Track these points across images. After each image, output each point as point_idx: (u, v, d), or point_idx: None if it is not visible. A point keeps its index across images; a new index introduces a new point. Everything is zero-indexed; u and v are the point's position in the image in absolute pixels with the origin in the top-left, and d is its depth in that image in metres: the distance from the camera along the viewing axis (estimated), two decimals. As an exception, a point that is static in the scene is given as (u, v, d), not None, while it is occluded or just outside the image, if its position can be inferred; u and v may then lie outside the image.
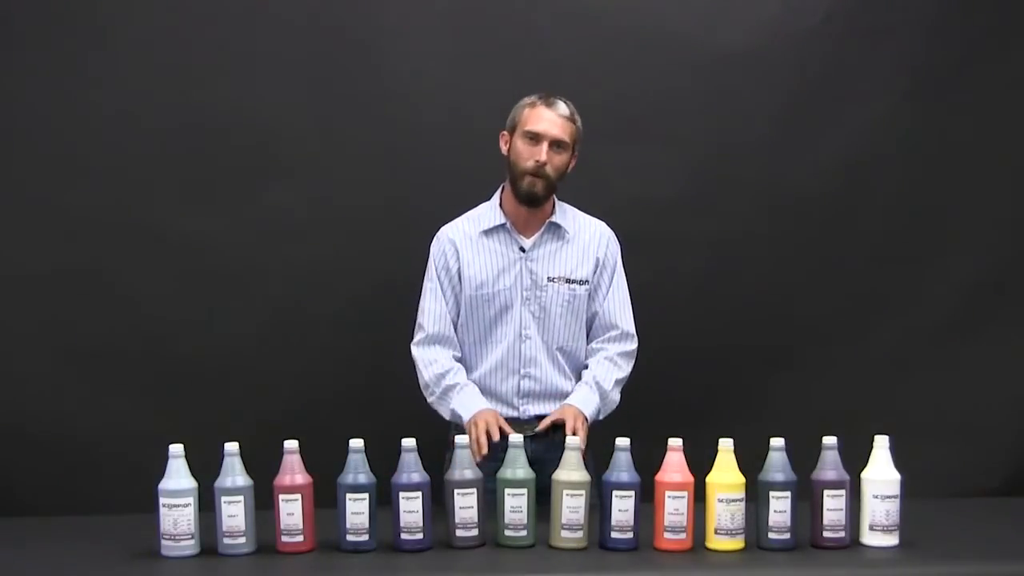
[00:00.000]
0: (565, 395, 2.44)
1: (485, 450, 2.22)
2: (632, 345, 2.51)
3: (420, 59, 3.00)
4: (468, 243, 2.47)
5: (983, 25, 3.09)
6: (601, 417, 2.43)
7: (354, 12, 3.00)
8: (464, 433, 2.20)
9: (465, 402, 2.37)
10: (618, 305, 2.50)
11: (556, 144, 2.37)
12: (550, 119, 2.38)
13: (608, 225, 2.54)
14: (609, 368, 2.46)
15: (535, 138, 2.38)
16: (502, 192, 2.49)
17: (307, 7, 2.99)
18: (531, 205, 2.42)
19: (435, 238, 2.50)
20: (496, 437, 2.24)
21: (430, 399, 2.44)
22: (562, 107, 2.40)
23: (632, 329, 2.51)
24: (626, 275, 2.53)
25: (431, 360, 2.44)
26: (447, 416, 2.42)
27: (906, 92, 3.08)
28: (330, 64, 2.99)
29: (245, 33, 2.98)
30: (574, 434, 2.19)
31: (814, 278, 3.12)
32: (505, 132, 2.45)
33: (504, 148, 2.45)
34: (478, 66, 2.97)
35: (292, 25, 2.98)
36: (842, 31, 3.07)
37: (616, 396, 2.47)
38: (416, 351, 2.46)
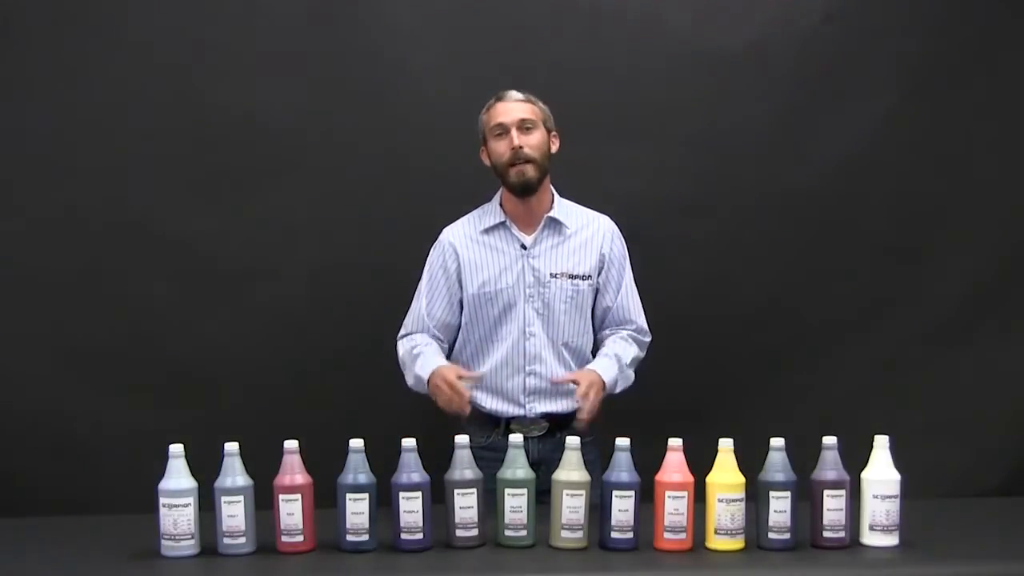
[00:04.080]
0: (572, 393, 2.44)
1: (466, 407, 2.28)
2: (648, 338, 2.55)
3: (420, 59, 3.00)
4: (468, 243, 2.48)
5: (983, 25, 3.08)
6: (618, 391, 2.44)
7: (355, 12, 2.99)
8: (464, 433, 2.19)
9: (424, 364, 2.37)
10: (633, 303, 2.53)
11: (523, 125, 2.40)
12: (506, 107, 2.43)
13: (608, 223, 2.55)
14: (627, 345, 2.48)
15: (502, 130, 2.41)
16: (502, 192, 2.50)
17: (308, 7, 2.99)
18: (528, 193, 2.43)
19: (436, 241, 2.51)
20: (460, 390, 2.26)
21: (407, 377, 2.44)
22: (514, 93, 2.45)
23: (646, 326, 2.55)
24: None
25: (407, 344, 2.49)
26: (417, 387, 2.41)
27: (906, 92, 3.08)
28: (330, 64, 2.99)
29: (245, 33, 2.98)
30: (584, 397, 2.26)
31: (814, 278, 3.12)
32: (482, 147, 2.48)
33: (485, 160, 2.48)
34: (478, 67, 2.96)
35: (292, 25, 2.98)
36: (842, 31, 3.06)
37: (631, 374, 2.48)
38: (398, 345, 2.52)
